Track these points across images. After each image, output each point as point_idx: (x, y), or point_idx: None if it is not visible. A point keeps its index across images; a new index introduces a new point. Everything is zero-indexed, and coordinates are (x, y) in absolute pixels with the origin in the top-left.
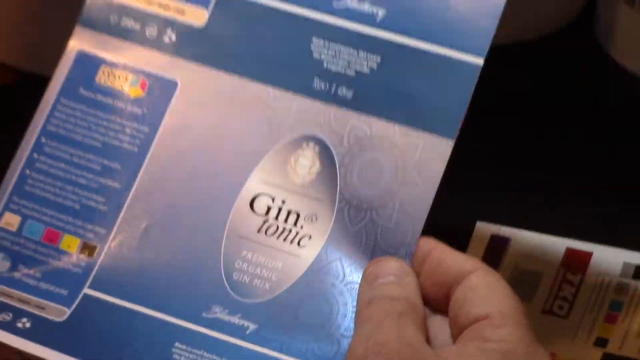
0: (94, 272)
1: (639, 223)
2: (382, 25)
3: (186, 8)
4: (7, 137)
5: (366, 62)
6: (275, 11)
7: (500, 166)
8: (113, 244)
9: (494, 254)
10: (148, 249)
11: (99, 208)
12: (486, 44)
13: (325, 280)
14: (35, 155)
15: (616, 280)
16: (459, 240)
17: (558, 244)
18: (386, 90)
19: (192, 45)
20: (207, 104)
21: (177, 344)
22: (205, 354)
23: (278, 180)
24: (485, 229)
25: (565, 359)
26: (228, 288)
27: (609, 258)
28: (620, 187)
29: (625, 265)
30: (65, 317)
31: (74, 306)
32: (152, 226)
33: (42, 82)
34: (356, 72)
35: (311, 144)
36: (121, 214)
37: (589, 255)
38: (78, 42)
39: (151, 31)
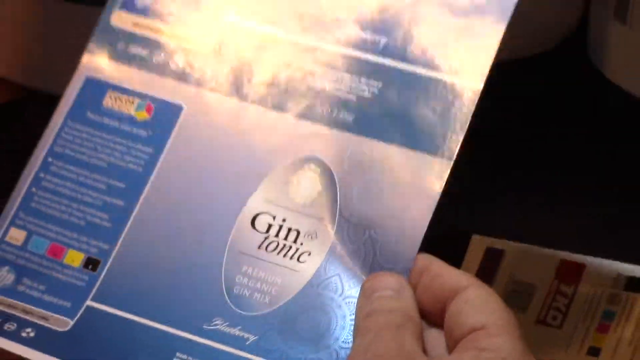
0: (97, 286)
1: (638, 225)
2: (383, 52)
3: (193, 36)
4: (15, 150)
5: (367, 88)
6: None
7: (495, 180)
8: (116, 259)
9: (489, 265)
10: (150, 263)
11: (103, 225)
12: (484, 71)
13: (324, 295)
14: (41, 174)
15: (608, 291)
16: (456, 253)
17: (552, 256)
18: (386, 114)
19: (199, 72)
20: (211, 126)
21: (178, 354)
22: None
23: (279, 200)
24: (480, 241)
25: None
26: (229, 301)
27: (601, 269)
28: (620, 187)
29: (618, 276)
30: (68, 328)
31: (77, 317)
32: (154, 242)
33: (49, 99)
34: (357, 96)
35: (312, 166)
36: (125, 231)
37: (582, 266)
38: (86, 68)
39: (158, 58)
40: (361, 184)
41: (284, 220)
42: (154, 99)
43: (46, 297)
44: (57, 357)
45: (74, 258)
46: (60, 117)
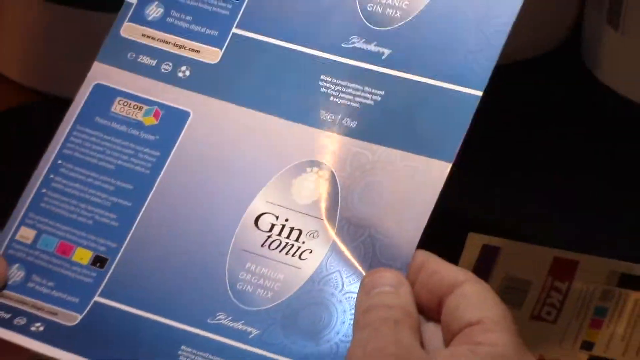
0: (104, 282)
1: (629, 223)
2: (387, 63)
3: (201, 48)
4: (25, 153)
5: (370, 96)
6: (286, 50)
7: (490, 180)
8: (123, 257)
9: (485, 262)
10: (156, 261)
11: (111, 224)
12: (485, 79)
13: (325, 290)
14: (51, 175)
15: (601, 287)
16: (453, 250)
17: (546, 253)
18: (388, 119)
19: (205, 80)
20: (217, 132)
21: (183, 347)
22: (209, 356)
23: (282, 201)
24: (476, 239)
25: None
26: (232, 297)
27: (594, 266)
28: (614, 187)
29: (610, 273)
30: (76, 322)
31: (85, 312)
32: (160, 240)
33: (59, 102)
34: (360, 104)
35: (315, 169)
36: (132, 230)
37: (575, 263)
38: (96, 75)
39: (166, 67)
40: (362, 186)
41: (286, 220)
42: (161, 106)
43: (55, 293)
44: (65, 350)
45: (82, 256)
46: (69, 121)
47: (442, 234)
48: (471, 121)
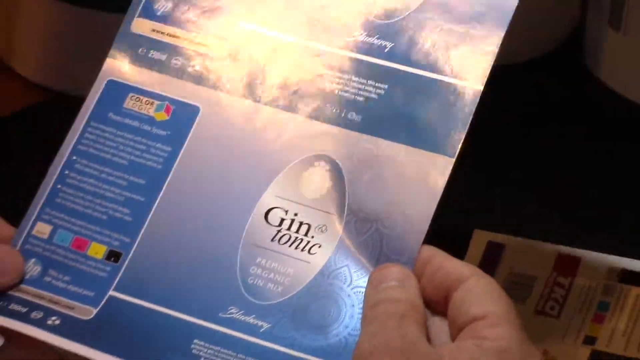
0: (119, 276)
1: (631, 220)
2: (389, 56)
3: (209, 42)
4: (41, 149)
5: (374, 90)
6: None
7: (496, 178)
8: (137, 251)
9: (491, 259)
10: (169, 255)
11: (125, 219)
12: (485, 74)
13: (334, 285)
14: (66, 171)
15: (603, 283)
16: (459, 246)
17: (550, 250)
18: (392, 114)
19: (215, 75)
20: (227, 126)
21: (196, 341)
22: (222, 349)
23: (291, 195)
24: (482, 235)
25: (556, 357)
26: (243, 291)
27: (596, 262)
28: (614, 186)
29: (612, 269)
30: (92, 316)
31: (100, 306)
32: (173, 235)
33: (72, 100)
34: (365, 98)
35: (322, 163)
36: (145, 224)
37: (578, 259)
38: (108, 71)
39: (176, 62)
40: (368, 180)
41: (295, 214)
42: (172, 101)
43: (71, 288)
44: (81, 343)
45: (97, 250)
46: (83, 118)
47: (448, 231)
48: (472, 117)
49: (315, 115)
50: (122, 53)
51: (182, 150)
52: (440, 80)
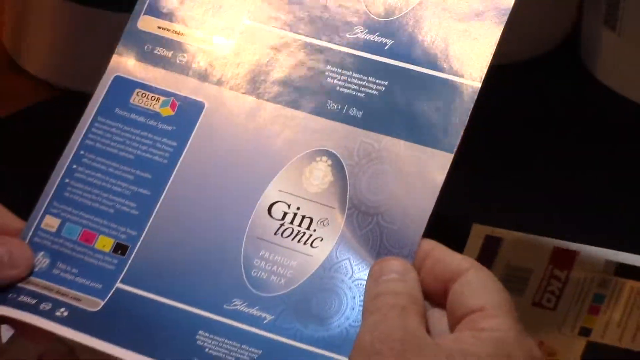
0: (125, 269)
1: (626, 215)
2: (389, 53)
3: (213, 39)
4: (49, 145)
5: (374, 86)
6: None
7: (494, 174)
8: (143, 244)
9: (489, 252)
10: (174, 248)
11: (131, 212)
12: (483, 71)
13: (336, 277)
14: (74, 166)
15: (599, 276)
16: (458, 240)
17: (546, 244)
18: (392, 110)
19: (219, 72)
20: (230, 122)
21: (200, 332)
22: (226, 340)
23: (294, 190)
24: (480, 229)
25: (553, 347)
26: (247, 283)
27: (592, 256)
28: (610, 182)
29: (608, 262)
30: (99, 308)
31: (107, 298)
32: (178, 228)
33: (79, 97)
34: (365, 94)
35: (324, 158)
36: (151, 218)
37: (574, 253)
38: (115, 68)
39: (181, 59)
40: (369, 174)
41: (298, 208)
42: (178, 97)
43: (79, 280)
44: (88, 334)
45: (105, 243)
46: (91, 113)
47: (447, 225)
48: (471, 113)
49: (317, 111)
50: (128, 50)
51: (187, 145)
52: (440, 77)
